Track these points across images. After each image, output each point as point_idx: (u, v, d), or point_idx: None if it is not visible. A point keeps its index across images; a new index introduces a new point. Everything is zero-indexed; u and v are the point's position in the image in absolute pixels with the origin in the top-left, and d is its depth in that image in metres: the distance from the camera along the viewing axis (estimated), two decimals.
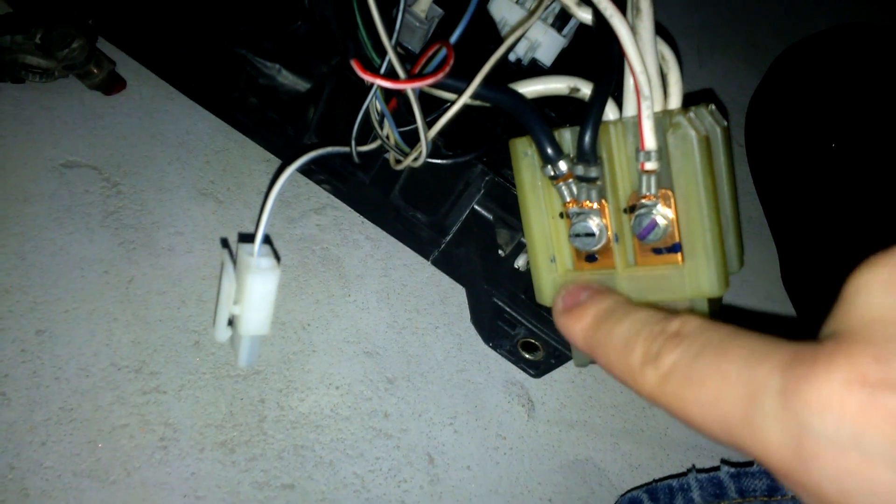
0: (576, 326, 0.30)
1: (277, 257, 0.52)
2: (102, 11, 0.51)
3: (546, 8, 0.36)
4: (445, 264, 0.53)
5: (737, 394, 0.20)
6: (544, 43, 0.49)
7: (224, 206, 0.53)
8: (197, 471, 0.44)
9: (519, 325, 0.48)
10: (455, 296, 0.57)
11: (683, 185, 0.32)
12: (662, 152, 0.33)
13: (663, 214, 0.33)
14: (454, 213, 0.48)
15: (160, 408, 0.45)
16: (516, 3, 0.47)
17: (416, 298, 0.56)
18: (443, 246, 0.51)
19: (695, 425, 0.22)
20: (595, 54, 0.35)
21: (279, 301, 0.51)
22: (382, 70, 0.34)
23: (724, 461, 0.50)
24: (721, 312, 0.50)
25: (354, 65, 0.31)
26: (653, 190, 0.33)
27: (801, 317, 0.67)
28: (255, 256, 0.38)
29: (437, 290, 0.57)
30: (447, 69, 0.33)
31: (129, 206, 0.51)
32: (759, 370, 0.20)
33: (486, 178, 0.45)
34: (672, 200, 0.33)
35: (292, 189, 0.56)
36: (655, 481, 0.51)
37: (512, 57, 0.50)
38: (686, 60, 0.87)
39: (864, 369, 0.18)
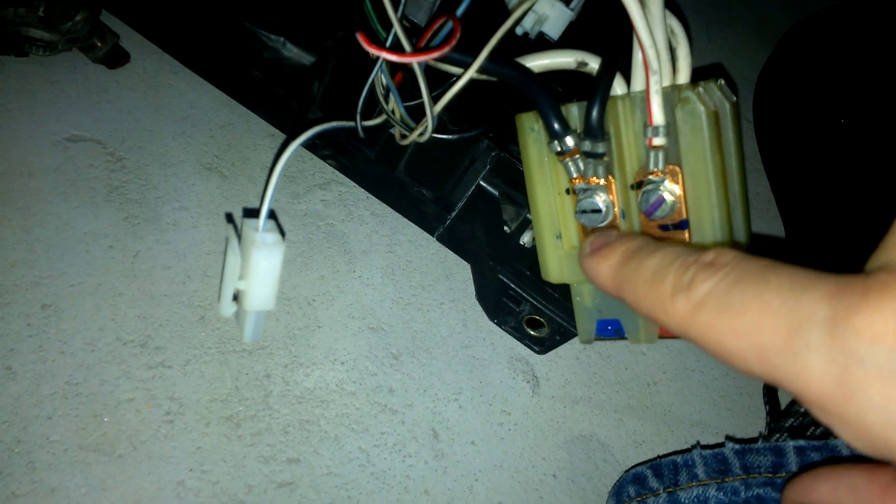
0: (603, 265, 0.29)
1: (282, 232, 0.52)
2: None
3: None
4: (451, 241, 0.53)
5: (779, 323, 0.20)
6: (552, 16, 0.48)
7: (229, 180, 0.53)
8: (202, 445, 0.44)
9: (524, 302, 0.48)
10: (460, 272, 0.57)
11: (692, 161, 0.32)
12: (671, 128, 0.32)
13: (671, 191, 0.33)
14: (460, 188, 0.48)
15: (166, 382, 0.45)
16: None
17: (421, 274, 0.56)
18: (448, 222, 0.50)
19: (728, 356, 0.22)
20: (603, 28, 0.35)
21: (284, 276, 0.51)
22: (388, 43, 0.34)
23: (728, 437, 0.50)
24: None
25: (360, 38, 0.31)
26: (660, 166, 0.33)
27: None
28: (260, 231, 0.37)
29: (443, 266, 0.57)
30: (453, 42, 0.32)
31: (133, 180, 0.51)
32: (804, 299, 0.19)
33: (493, 154, 0.45)
34: (680, 177, 0.33)
35: (297, 164, 0.56)
36: (660, 457, 0.51)
37: (519, 30, 0.49)
38: (695, 35, 0.87)
39: None
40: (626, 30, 0.33)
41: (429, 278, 0.56)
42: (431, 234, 0.53)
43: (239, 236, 0.40)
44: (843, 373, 0.18)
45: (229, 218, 0.51)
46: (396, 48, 0.33)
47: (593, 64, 0.36)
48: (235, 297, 0.40)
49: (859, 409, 0.18)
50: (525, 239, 0.46)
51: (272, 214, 0.51)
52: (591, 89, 0.33)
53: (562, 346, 0.53)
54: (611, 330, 0.37)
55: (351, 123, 0.40)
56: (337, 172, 0.56)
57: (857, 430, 0.18)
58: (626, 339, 0.37)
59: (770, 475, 0.45)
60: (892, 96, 0.62)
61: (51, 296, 0.45)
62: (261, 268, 0.37)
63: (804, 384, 0.19)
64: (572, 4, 0.49)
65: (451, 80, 0.37)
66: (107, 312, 0.46)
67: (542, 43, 0.50)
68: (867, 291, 0.18)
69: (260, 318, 0.39)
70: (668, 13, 0.34)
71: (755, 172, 0.76)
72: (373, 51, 0.31)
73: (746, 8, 0.95)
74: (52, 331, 0.44)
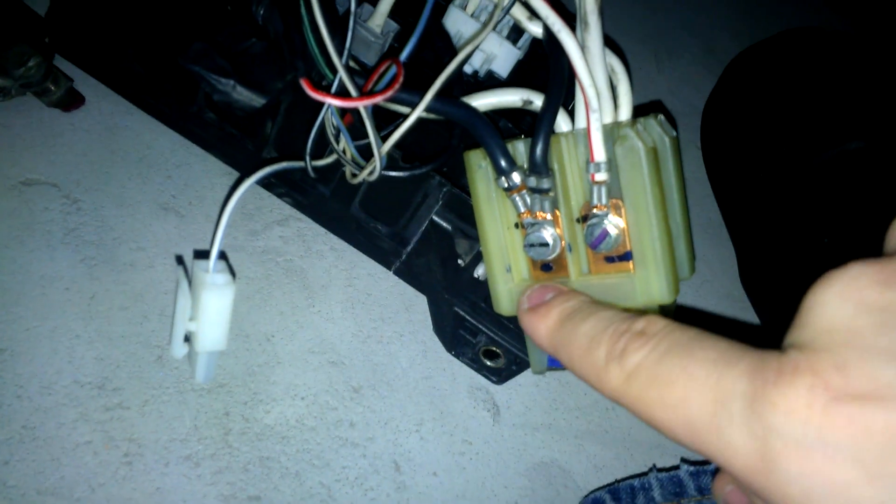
0: (540, 325, 0.30)
1: (233, 272, 0.52)
2: (58, 30, 0.51)
3: (498, 22, 0.37)
4: (407, 274, 0.54)
5: (704, 397, 0.21)
6: (500, 55, 0.50)
7: (186, 220, 0.53)
8: (162, 486, 0.44)
9: (480, 334, 0.49)
10: (419, 304, 0.57)
11: (632, 195, 0.33)
12: (612, 163, 0.33)
13: (614, 224, 0.34)
14: (414, 224, 0.49)
15: (124, 423, 0.45)
16: (471, 16, 0.48)
17: (381, 307, 0.56)
18: (404, 256, 0.51)
19: (659, 426, 0.23)
20: (551, 66, 0.36)
21: (243, 313, 0.51)
22: (334, 88, 0.34)
23: (683, 460, 0.51)
24: (682, 313, 0.51)
25: (304, 84, 0.32)
26: (604, 200, 0.34)
27: (758, 312, 0.69)
28: (211, 272, 0.38)
29: (402, 298, 0.57)
30: (396, 86, 0.33)
31: (89, 222, 0.51)
32: (727, 375, 0.21)
33: (444, 190, 0.46)
34: (622, 210, 0.34)
35: (255, 201, 0.56)
36: (618, 481, 0.52)
37: (468, 69, 0.50)
38: (644, 65, 0.89)
39: (826, 377, 0.19)
40: (566, 69, 0.34)
41: (388, 311, 0.56)
42: (388, 268, 0.54)
43: (189, 277, 0.40)
44: (764, 446, 0.19)
45: (180, 259, 0.51)
46: (343, 92, 0.34)
47: (538, 102, 0.37)
48: (187, 339, 0.40)
49: (780, 481, 0.19)
50: (479, 272, 0.47)
51: (223, 255, 0.51)
52: (534, 127, 0.34)
53: (522, 374, 0.54)
54: None
55: (301, 164, 0.41)
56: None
57: (780, 500, 0.19)
58: None
59: None
60: (830, 121, 0.64)
61: (6, 340, 0.45)
62: (211, 309, 0.37)
63: (730, 457, 0.20)
64: (519, 43, 0.50)
65: (400, 118, 0.38)
66: (63, 355, 0.46)
67: (491, 81, 0.51)
68: (781, 368, 0.20)
69: (212, 359, 0.40)
70: (609, 52, 0.36)
71: (707, 198, 0.78)
72: (318, 97, 0.32)
73: (694, 37, 0.97)
74: (7, 375, 0.44)
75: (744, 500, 0.28)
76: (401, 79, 0.33)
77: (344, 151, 0.39)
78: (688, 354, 0.22)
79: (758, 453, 0.19)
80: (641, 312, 0.28)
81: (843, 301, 0.20)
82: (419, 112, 0.35)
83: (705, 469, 0.48)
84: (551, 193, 0.35)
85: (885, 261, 0.20)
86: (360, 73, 0.37)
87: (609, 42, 0.36)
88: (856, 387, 0.18)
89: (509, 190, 0.36)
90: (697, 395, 0.21)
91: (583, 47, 0.34)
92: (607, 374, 0.25)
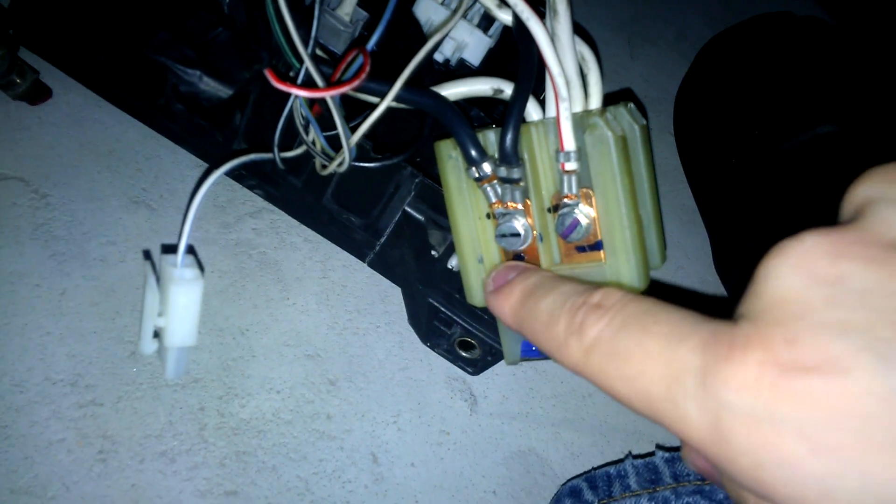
0: (504, 304, 0.31)
1: (202, 266, 0.51)
2: (22, 21, 0.50)
3: (468, 9, 0.37)
4: (381, 266, 0.53)
5: (659, 371, 0.21)
6: (471, 43, 0.49)
7: (157, 213, 0.53)
8: (137, 482, 0.43)
9: (455, 325, 0.49)
10: (395, 294, 0.57)
11: (602, 184, 0.33)
12: (582, 152, 0.33)
13: (585, 213, 0.34)
14: (387, 215, 0.48)
15: (97, 420, 0.44)
16: (441, 4, 0.47)
17: (357, 299, 0.56)
18: (377, 248, 0.51)
19: (620, 398, 0.23)
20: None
21: (217, 307, 0.51)
22: (300, 79, 0.34)
23: (659, 446, 0.51)
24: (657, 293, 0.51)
25: (269, 75, 0.31)
26: (574, 189, 0.34)
27: (731, 297, 0.69)
28: (178, 267, 0.37)
29: (378, 289, 0.57)
30: (363, 76, 0.33)
31: (58, 217, 0.50)
32: (680, 349, 0.21)
33: (416, 180, 0.45)
34: (593, 199, 0.34)
35: (227, 193, 0.56)
36: (594, 469, 0.52)
37: (440, 57, 0.50)
38: (618, 52, 0.89)
39: (776, 351, 0.19)
40: (536, 58, 0.34)
41: (364, 302, 0.56)
42: (363, 259, 0.53)
43: (157, 272, 0.40)
44: (717, 419, 0.20)
45: (147, 254, 0.51)
46: (310, 82, 0.34)
47: (508, 90, 0.37)
48: (156, 334, 0.39)
49: (733, 453, 0.20)
50: (453, 263, 0.47)
51: (192, 249, 0.50)
52: (504, 117, 0.34)
53: (498, 364, 0.54)
54: (535, 350, 0.38)
55: (269, 155, 0.40)
56: None
57: (734, 471, 0.20)
58: (549, 359, 0.38)
59: (699, 483, 0.46)
60: (799, 107, 0.65)
61: None
62: (180, 304, 0.37)
63: (685, 430, 0.21)
64: (490, 31, 0.50)
65: (370, 108, 0.38)
66: (35, 352, 0.45)
67: (463, 69, 0.51)
68: (732, 342, 0.20)
69: (182, 355, 0.39)
70: (579, 40, 0.35)
71: (680, 184, 0.78)
72: (283, 87, 0.31)
73: (668, 24, 0.97)
74: None
75: (709, 465, 0.29)
76: (367, 68, 0.33)
77: (313, 142, 0.39)
78: (642, 328, 0.23)
79: (711, 426, 0.20)
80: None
81: (795, 272, 0.20)
82: (388, 102, 0.35)
83: (680, 456, 0.48)
84: (522, 183, 0.35)
85: (838, 231, 0.20)
86: (329, 62, 0.37)
87: (580, 30, 0.35)
88: (804, 360, 0.19)
89: (480, 180, 0.35)
90: (653, 369, 0.22)
91: (552, 36, 0.33)
92: (568, 348, 0.25)
